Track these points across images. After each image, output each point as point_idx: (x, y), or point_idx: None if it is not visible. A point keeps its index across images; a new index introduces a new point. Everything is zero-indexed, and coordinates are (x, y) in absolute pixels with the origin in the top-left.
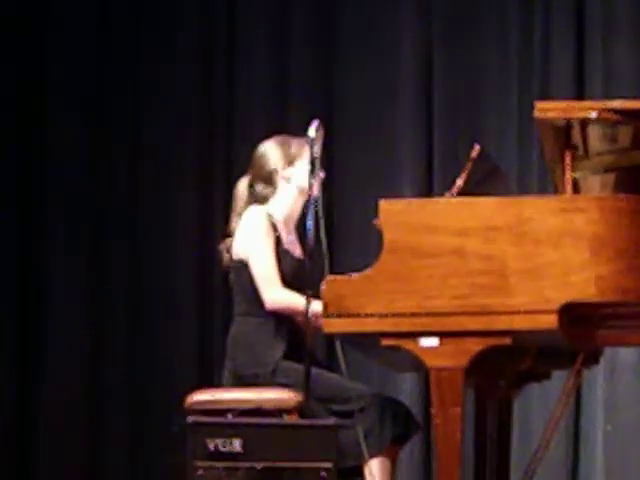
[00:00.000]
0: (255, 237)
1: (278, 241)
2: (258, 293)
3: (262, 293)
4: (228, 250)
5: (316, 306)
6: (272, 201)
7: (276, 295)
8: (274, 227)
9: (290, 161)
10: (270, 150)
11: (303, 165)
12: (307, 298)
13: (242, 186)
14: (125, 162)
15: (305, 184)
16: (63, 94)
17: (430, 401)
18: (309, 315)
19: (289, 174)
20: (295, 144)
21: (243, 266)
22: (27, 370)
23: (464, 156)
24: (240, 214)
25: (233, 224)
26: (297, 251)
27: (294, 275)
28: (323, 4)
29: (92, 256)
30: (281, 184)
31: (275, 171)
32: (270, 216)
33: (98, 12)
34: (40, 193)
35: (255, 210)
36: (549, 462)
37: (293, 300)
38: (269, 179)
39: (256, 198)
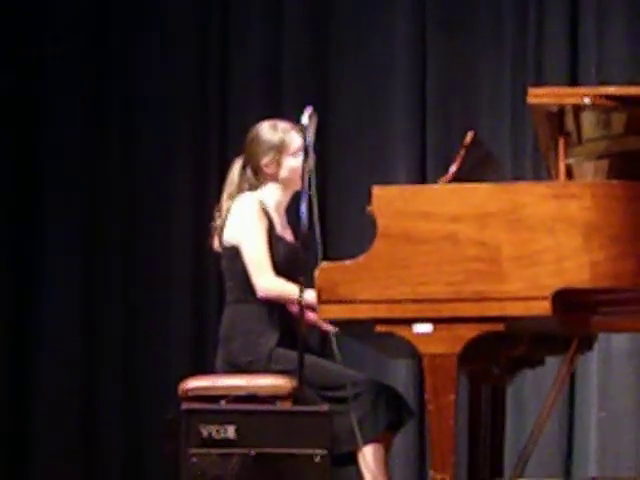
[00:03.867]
0: (247, 223)
1: (271, 227)
2: (250, 280)
3: (254, 280)
4: (219, 234)
5: (308, 295)
6: (260, 190)
7: (268, 282)
8: (266, 213)
9: (277, 158)
10: (258, 138)
11: (288, 159)
12: (300, 286)
13: (236, 168)
14: (119, 151)
15: (290, 177)
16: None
17: (424, 388)
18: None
19: (274, 170)
20: (281, 132)
21: (235, 253)
22: (21, 359)
23: (458, 142)
24: (231, 195)
25: (224, 204)
26: (289, 236)
27: (288, 260)
28: None
29: (86, 243)
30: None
31: (259, 167)
32: (262, 202)
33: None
34: (32, 171)
35: (247, 197)
36: (543, 448)
37: (285, 288)
38: (256, 171)
39: (247, 182)
